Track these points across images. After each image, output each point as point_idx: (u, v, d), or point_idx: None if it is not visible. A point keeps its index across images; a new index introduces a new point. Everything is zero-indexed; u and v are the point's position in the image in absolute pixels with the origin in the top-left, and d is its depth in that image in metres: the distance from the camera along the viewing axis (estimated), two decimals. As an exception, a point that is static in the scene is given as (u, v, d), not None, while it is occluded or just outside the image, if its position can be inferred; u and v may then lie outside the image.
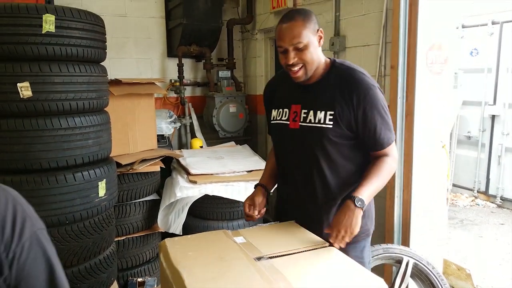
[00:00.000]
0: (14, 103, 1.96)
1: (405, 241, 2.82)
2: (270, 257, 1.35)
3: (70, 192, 2.14)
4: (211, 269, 1.25)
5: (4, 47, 1.92)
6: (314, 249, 1.43)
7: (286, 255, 1.38)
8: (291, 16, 1.55)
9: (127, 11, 4.06)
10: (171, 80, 4.32)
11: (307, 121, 1.64)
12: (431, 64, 2.73)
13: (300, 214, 1.71)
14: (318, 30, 1.58)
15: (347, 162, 1.64)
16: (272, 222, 1.77)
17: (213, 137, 4.43)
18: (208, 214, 3.30)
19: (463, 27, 5.75)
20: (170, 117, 3.93)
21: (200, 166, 3.32)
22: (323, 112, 1.60)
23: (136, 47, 4.16)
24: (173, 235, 2.87)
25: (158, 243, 3.22)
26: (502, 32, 5.43)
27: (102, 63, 2.40)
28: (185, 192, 3.07)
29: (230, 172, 3.30)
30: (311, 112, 1.64)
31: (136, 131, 3.20)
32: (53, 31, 1.97)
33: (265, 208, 1.82)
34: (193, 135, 4.32)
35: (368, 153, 1.66)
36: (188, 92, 4.40)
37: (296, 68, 1.57)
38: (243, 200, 3.15)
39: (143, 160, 3.04)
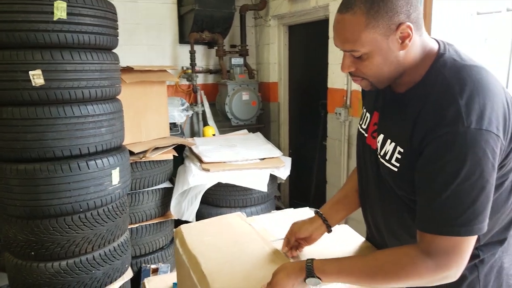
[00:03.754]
0: (26, 91, 1.94)
1: None
2: None
3: (84, 180, 2.13)
4: (228, 252, 1.26)
5: (16, 35, 1.89)
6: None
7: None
8: (350, 2, 0.94)
9: (138, -3, 4.01)
10: (183, 67, 4.27)
11: (376, 147, 1.11)
12: None
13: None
14: (399, 25, 0.92)
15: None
16: (286, 209, 1.74)
17: (226, 125, 4.41)
18: (221, 201, 3.32)
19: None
20: (182, 105, 3.91)
21: (213, 154, 3.30)
22: (392, 145, 1.02)
23: (147, 33, 4.10)
24: (185, 222, 2.88)
25: (171, 230, 3.26)
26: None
27: (114, 50, 2.37)
28: (198, 180, 3.07)
29: (243, 160, 3.28)
30: (381, 137, 1.07)
31: (148, 119, 3.18)
32: (65, 18, 1.93)
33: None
34: (206, 123, 4.29)
35: None
36: (200, 79, 4.36)
37: (355, 78, 1.04)
38: (256, 187, 3.19)
39: (156, 148, 3.03)
